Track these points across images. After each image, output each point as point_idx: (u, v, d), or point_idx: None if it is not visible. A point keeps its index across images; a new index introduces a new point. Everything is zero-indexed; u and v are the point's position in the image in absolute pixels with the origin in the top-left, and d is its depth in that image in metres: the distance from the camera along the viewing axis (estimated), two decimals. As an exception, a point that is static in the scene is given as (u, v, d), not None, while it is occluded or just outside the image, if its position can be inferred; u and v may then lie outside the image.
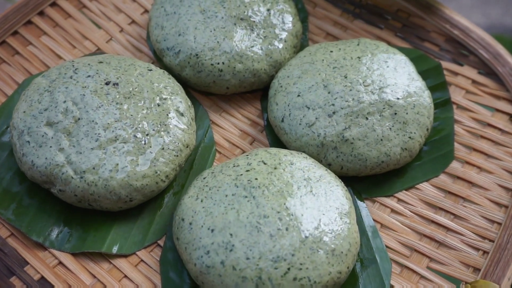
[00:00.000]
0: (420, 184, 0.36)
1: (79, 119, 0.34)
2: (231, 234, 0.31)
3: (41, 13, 0.41)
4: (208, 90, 0.39)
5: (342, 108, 0.35)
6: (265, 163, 0.33)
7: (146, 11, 0.43)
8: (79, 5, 0.43)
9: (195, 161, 0.37)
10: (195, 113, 0.39)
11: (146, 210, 0.35)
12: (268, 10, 0.40)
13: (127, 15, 0.43)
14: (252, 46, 0.38)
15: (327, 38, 0.43)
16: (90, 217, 0.34)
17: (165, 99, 0.36)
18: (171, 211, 0.35)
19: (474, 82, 0.40)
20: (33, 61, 0.40)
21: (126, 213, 0.34)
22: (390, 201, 0.36)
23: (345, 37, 0.42)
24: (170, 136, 0.34)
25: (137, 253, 0.33)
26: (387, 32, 0.43)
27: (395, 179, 0.36)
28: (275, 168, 0.33)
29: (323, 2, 0.44)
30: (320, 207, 0.32)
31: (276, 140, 0.38)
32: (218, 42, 0.38)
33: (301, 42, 0.42)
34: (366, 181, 0.36)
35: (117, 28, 0.42)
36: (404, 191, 0.36)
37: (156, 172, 0.33)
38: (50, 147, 0.33)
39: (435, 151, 0.37)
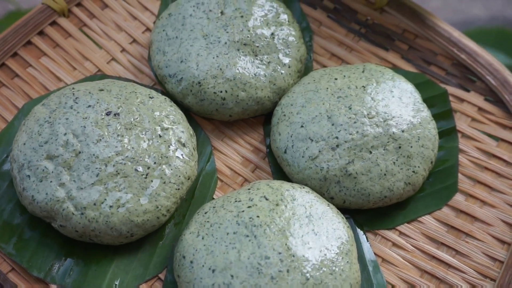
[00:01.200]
0: (423, 217, 0.36)
1: (79, 152, 0.33)
2: (232, 276, 0.30)
3: (41, 33, 0.41)
4: (210, 117, 0.38)
5: (345, 142, 0.35)
6: (267, 199, 0.33)
7: (148, 29, 0.42)
8: (80, 23, 0.42)
9: (197, 190, 0.37)
10: (197, 139, 0.38)
11: (147, 242, 0.35)
12: (272, 34, 0.39)
13: (128, 33, 0.42)
14: (256, 73, 0.37)
15: (331, 59, 0.42)
16: (91, 251, 0.34)
17: (166, 129, 0.35)
18: (172, 242, 0.35)
19: (480, 109, 0.40)
20: (33, 84, 0.39)
21: (127, 246, 0.34)
22: (392, 234, 0.36)
23: (350, 59, 0.42)
24: (171, 169, 0.34)
25: (138, 287, 0.33)
26: (393, 54, 0.42)
27: (398, 211, 0.36)
28: (277, 205, 0.33)
29: (328, 21, 0.43)
30: (322, 247, 0.32)
31: (278, 168, 0.38)
32: (221, 69, 0.37)
33: (306, 65, 0.41)
34: (368, 213, 0.36)
35: (118, 47, 0.41)
36: (406, 224, 0.36)
37: (157, 207, 0.33)
38: (51, 181, 0.33)
39: (438, 183, 0.37)
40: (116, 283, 0.33)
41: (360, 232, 0.35)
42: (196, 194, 0.37)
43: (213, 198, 0.37)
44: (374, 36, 0.43)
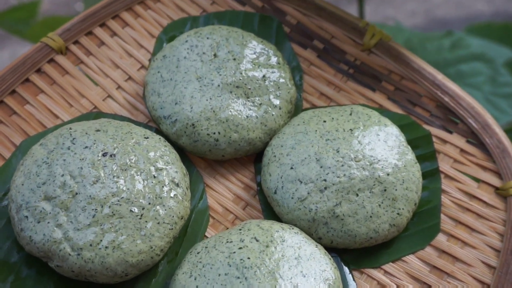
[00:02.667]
0: (407, 257, 0.37)
1: (76, 193, 0.34)
2: (223, 317, 0.32)
3: (39, 70, 0.42)
4: (204, 156, 0.39)
5: (333, 184, 0.36)
6: (257, 240, 0.34)
7: (143, 66, 0.44)
8: (77, 60, 0.43)
9: (189, 228, 0.38)
10: (190, 176, 0.40)
11: (141, 279, 0.36)
12: (264, 76, 0.40)
13: (123, 71, 0.43)
14: (248, 115, 0.39)
15: (320, 98, 0.44)
16: (86, 289, 0.35)
17: (160, 169, 0.36)
18: (165, 279, 0.36)
19: (462, 151, 0.41)
20: (31, 121, 0.40)
21: (121, 284, 0.35)
22: (377, 273, 0.37)
23: (339, 98, 0.43)
24: (165, 209, 0.35)
25: (132, 325, 0.34)
26: (379, 95, 0.44)
27: (383, 250, 0.38)
28: (267, 246, 0.34)
29: (318, 61, 0.45)
30: (310, 288, 0.33)
31: (269, 206, 0.39)
32: (214, 111, 0.38)
33: (296, 104, 0.43)
34: (355, 252, 0.37)
35: (114, 85, 0.43)
36: (391, 263, 0.37)
37: (152, 247, 0.34)
38: (48, 222, 0.34)
39: (422, 223, 0.38)
40: (110, 321, 0.34)
41: (347, 271, 0.37)
42: (188, 231, 0.38)
43: (205, 236, 0.38)
44: (362, 76, 0.44)
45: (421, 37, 0.66)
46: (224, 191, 0.40)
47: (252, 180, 0.40)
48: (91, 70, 0.43)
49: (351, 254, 0.37)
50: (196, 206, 0.39)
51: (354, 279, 0.36)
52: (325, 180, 0.37)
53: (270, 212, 0.39)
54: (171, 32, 0.45)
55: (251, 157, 0.41)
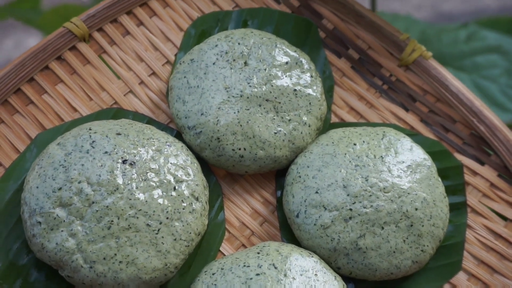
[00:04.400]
0: (423, 293, 0.37)
1: (93, 202, 0.33)
2: None
3: (59, 58, 0.40)
4: (226, 170, 0.38)
5: (359, 215, 0.35)
6: (275, 267, 0.33)
7: (168, 61, 0.41)
8: (100, 50, 0.41)
9: (204, 241, 0.37)
10: (208, 185, 0.38)
11: (152, 292, 0.35)
12: (295, 91, 0.38)
13: (148, 65, 0.41)
14: (276, 132, 0.37)
15: (350, 113, 0.42)
16: (95, 299, 0.34)
17: (181, 181, 0.35)
18: (176, 293, 0.35)
19: (492, 185, 0.40)
20: (48, 113, 0.38)
21: (131, 296, 0.34)
22: (392, 306, 0.36)
23: (369, 115, 0.41)
24: (183, 225, 0.34)
25: None
26: (412, 115, 0.42)
27: (400, 283, 0.37)
28: (285, 275, 0.33)
29: (351, 72, 0.43)
30: (326, 324, 0.32)
31: (287, 224, 0.38)
32: (241, 125, 0.36)
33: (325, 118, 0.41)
34: (371, 283, 0.36)
35: (136, 79, 0.40)
36: (406, 298, 0.36)
37: (166, 265, 0.33)
38: (62, 231, 0.32)
39: (443, 258, 0.37)
40: (119, 335, 0.33)
41: (362, 301, 0.36)
42: (203, 244, 0.37)
43: (220, 251, 0.37)
44: (396, 94, 0.42)
45: (436, 29, 0.65)
46: (243, 204, 0.38)
47: (272, 195, 0.39)
48: (114, 61, 0.41)
49: (368, 284, 0.36)
50: (213, 218, 0.37)
51: (368, 311, 0.36)
52: (351, 209, 0.35)
53: (288, 231, 0.38)
54: (201, 26, 0.42)
55: (273, 172, 0.40)
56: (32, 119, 0.38)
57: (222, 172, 0.39)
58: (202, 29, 0.42)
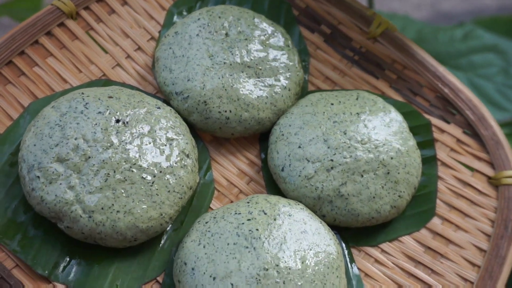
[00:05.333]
0: (403, 237, 0.39)
1: (89, 157, 0.34)
2: (231, 284, 0.33)
3: (49, 33, 0.41)
4: (213, 134, 0.40)
5: (340, 164, 0.38)
6: (265, 213, 0.35)
7: (153, 38, 0.44)
8: (87, 26, 0.43)
9: (195, 199, 0.39)
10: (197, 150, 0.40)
11: (146, 246, 0.36)
12: (274, 58, 0.41)
13: (133, 41, 0.43)
14: (258, 95, 0.40)
15: (326, 82, 0.45)
16: (93, 251, 0.35)
17: (172, 139, 0.37)
18: (170, 247, 0.37)
19: (458, 140, 0.43)
20: (39, 84, 0.40)
21: (127, 249, 0.36)
22: (375, 251, 0.39)
23: (343, 83, 0.44)
24: (175, 179, 0.36)
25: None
26: (382, 82, 0.45)
27: (380, 230, 0.39)
28: (274, 219, 0.35)
29: (325, 45, 0.46)
30: (315, 261, 0.34)
31: (272, 182, 0.40)
32: (226, 90, 0.39)
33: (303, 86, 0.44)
34: (354, 231, 0.39)
35: (123, 54, 0.43)
36: (387, 243, 0.39)
37: (162, 214, 0.35)
38: (60, 184, 0.34)
39: (418, 206, 0.40)
40: (117, 283, 0.34)
41: (346, 249, 0.38)
42: (194, 202, 0.38)
43: (210, 207, 0.39)
44: (366, 63, 0.46)
45: (433, 28, 0.65)
46: (229, 166, 0.41)
47: (257, 157, 0.41)
48: (101, 37, 0.43)
49: (351, 232, 0.39)
50: (202, 178, 0.39)
51: (352, 256, 0.38)
52: (332, 160, 0.38)
53: (273, 188, 0.40)
54: (182, 6, 0.45)
55: (257, 134, 0.42)
56: (24, 89, 0.39)
57: (208, 137, 0.41)
58: (183, 8, 0.45)
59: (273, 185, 0.40)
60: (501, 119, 0.60)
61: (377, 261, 0.38)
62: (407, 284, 0.37)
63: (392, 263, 0.38)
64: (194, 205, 0.38)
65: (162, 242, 0.37)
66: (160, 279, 0.36)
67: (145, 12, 0.44)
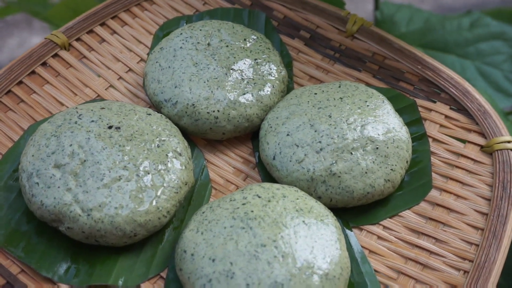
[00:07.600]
0: (403, 212, 0.39)
1: (85, 161, 0.36)
2: (231, 263, 0.33)
3: (44, 64, 0.44)
4: (205, 136, 0.41)
5: (328, 145, 0.38)
6: (259, 197, 0.36)
7: (142, 59, 0.46)
8: (80, 55, 0.46)
9: (193, 198, 0.39)
10: (191, 154, 0.41)
11: (148, 244, 0.37)
12: (256, 59, 0.43)
13: (124, 64, 0.46)
14: (244, 94, 0.41)
15: (311, 80, 0.46)
16: (95, 252, 0.36)
17: (163, 140, 0.38)
18: (171, 245, 0.37)
19: (446, 117, 0.44)
20: (37, 108, 0.42)
21: (129, 248, 0.36)
22: (376, 229, 0.38)
23: (327, 80, 0.46)
24: (170, 174, 0.37)
25: (141, 285, 0.35)
26: (365, 74, 0.46)
27: (380, 208, 0.39)
28: (269, 201, 0.36)
29: (306, 48, 0.48)
30: (313, 235, 0.34)
31: (268, 176, 0.41)
32: (212, 91, 0.41)
33: (288, 86, 0.45)
34: (353, 211, 0.39)
35: (115, 76, 0.45)
36: (388, 219, 0.39)
37: (158, 208, 0.36)
38: (58, 187, 0.35)
39: (414, 181, 0.40)
40: (120, 281, 0.35)
41: (348, 230, 0.38)
42: (192, 201, 0.39)
43: (209, 205, 0.39)
44: (347, 59, 0.47)
45: (440, 17, 0.65)
46: (225, 165, 0.42)
47: (251, 155, 0.42)
48: (94, 64, 0.45)
49: (350, 213, 0.39)
50: (199, 179, 0.40)
51: (354, 235, 0.38)
52: (320, 142, 0.39)
53: (270, 181, 0.40)
54: (167, 29, 0.48)
55: (249, 135, 0.43)
56: (24, 114, 0.42)
57: (202, 142, 0.43)
58: (168, 31, 0.48)
59: (269, 178, 0.41)
60: (510, 106, 0.59)
61: (380, 237, 0.38)
62: (412, 255, 0.37)
63: (395, 237, 0.38)
64: (193, 204, 0.39)
65: (164, 240, 0.37)
66: (164, 274, 0.36)
67: (133, 38, 0.47)
